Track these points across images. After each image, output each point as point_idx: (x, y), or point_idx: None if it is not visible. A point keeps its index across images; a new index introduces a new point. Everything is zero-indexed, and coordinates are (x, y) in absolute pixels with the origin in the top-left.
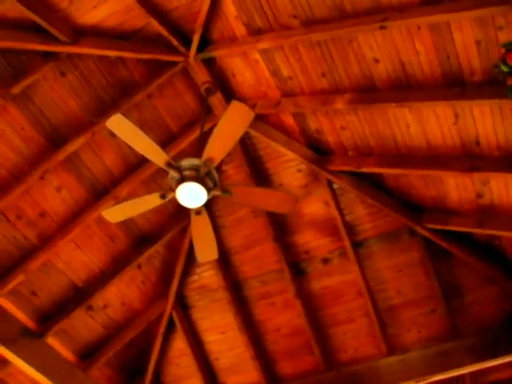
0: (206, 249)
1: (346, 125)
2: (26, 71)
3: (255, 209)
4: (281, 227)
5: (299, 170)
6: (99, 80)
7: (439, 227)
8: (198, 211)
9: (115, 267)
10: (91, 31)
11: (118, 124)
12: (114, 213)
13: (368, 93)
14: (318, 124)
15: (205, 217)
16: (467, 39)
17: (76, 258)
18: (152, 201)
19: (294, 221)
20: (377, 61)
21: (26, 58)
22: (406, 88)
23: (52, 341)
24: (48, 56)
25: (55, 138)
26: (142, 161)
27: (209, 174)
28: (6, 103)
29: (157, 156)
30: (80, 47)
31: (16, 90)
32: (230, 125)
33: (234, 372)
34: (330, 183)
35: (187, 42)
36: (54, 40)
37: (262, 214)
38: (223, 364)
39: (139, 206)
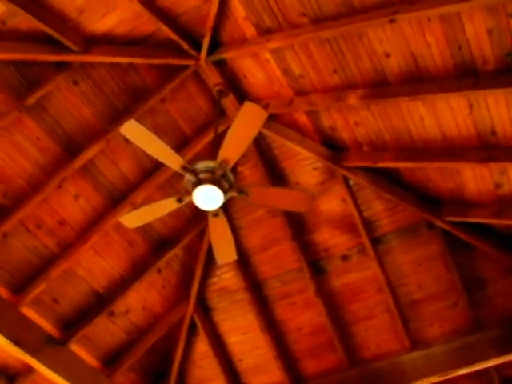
0: (224, 250)
1: (359, 120)
2: (40, 82)
3: (272, 209)
4: (299, 226)
5: (315, 168)
6: (112, 87)
7: (458, 219)
8: (215, 213)
9: (135, 272)
10: (102, 39)
11: (132, 130)
12: (132, 218)
13: (380, 87)
14: (332, 121)
15: (222, 218)
16: (478, 28)
17: (96, 264)
18: (169, 205)
19: (311, 219)
20: (388, 55)
21: (39, 69)
22: (418, 81)
23: (76, 348)
24: (60, 66)
25: (71, 147)
26: (158, 165)
27: (224, 175)
28: (21, 115)
29: (172, 160)
30: (92, 56)
31: (30, 101)
32: (244, 126)
33: (258, 372)
34: (346, 180)
35: (197, 46)
36: (66, 50)
37: (280, 214)
38: (246, 365)
39: (156, 210)
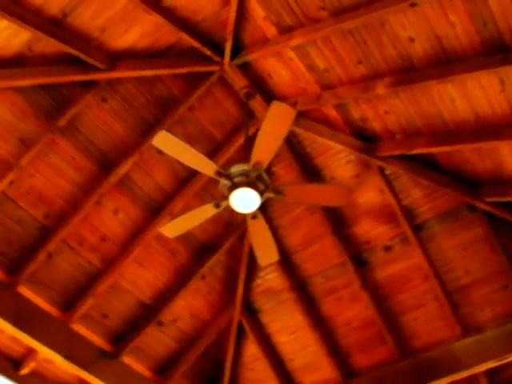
0: (266, 251)
1: (389, 109)
2: (69, 103)
3: (310, 206)
4: (338, 220)
5: (349, 161)
6: (140, 101)
7: (499, 199)
8: (253, 215)
9: (179, 281)
10: (126, 54)
11: (164, 141)
12: (172, 228)
13: (407, 73)
14: (362, 112)
15: (261, 220)
16: (503, 1)
17: (140, 276)
18: (207, 211)
19: (350, 212)
20: (412, 40)
21: (68, 90)
22: (445, 62)
23: (128, 359)
24: (88, 85)
25: (105, 163)
26: (192, 173)
27: (259, 177)
28: (55, 136)
29: (206, 167)
30: (117, 72)
31: (62, 122)
32: (274, 125)
33: (310, 370)
34: (381, 170)
35: (220, 51)
36: (92, 69)
37: (318, 210)
38: (297, 364)
39: (195, 218)
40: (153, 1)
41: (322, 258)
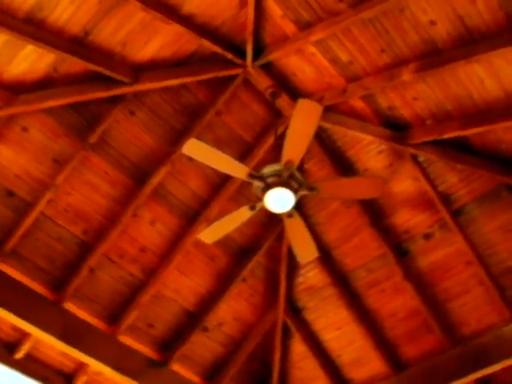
0: (304, 249)
1: (417, 95)
2: (98, 119)
3: (345, 200)
4: (375, 212)
5: (380, 152)
6: (167, 110)
7: None
8: (289, 214)
9: (221, 285)
10: (149, 66)
11: (194, 148)
12: (210, 233)
13: (432, 57)
14: (389, 101)
15: (297, 218)
16: None
17: (182, 284)
18: (243, 214)
19: (387, 203)
20: (433, 23)
21: (95, 106)
22: (470, 42)
23: (176, 367)
24: (115, 100)
25: (139, 175)
26: (225, 178)
27: (292, 175)
28: (87, 153)
29: (237, 170)
30: (142, 84)
31: (93, 139)
32: (302, 123)
33: (359, 365)
34: (414, 157)
35: (242, 53)
36: (117, 83)
37: (355, 203)
38: (346, 359)
39: (232, 222)
40: (170, 10)
41: (361, 251)
